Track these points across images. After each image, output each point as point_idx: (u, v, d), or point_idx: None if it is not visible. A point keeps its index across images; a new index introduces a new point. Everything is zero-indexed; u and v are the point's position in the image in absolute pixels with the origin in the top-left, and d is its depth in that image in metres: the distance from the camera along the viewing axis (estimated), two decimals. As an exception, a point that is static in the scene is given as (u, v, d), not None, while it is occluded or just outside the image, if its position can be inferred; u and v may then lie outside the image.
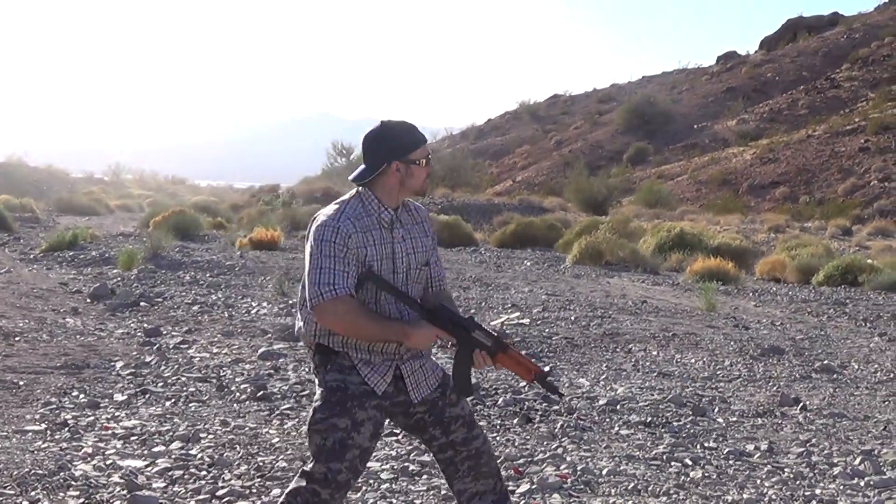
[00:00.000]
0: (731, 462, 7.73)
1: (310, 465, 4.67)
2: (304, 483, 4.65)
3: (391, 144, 4.72)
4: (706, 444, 8.24)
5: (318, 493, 4.61)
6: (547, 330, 13.65)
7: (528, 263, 24.48)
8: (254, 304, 15.12)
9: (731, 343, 13.64)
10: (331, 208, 4.72)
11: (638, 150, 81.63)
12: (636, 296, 18.22)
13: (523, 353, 4.87)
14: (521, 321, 14.16)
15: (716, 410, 9.53)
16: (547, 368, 4.92)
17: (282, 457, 7.25)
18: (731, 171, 64.16)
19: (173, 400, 8.97)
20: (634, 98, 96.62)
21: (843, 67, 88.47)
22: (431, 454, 5.09)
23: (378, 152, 4.72)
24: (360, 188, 4.77)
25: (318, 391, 4.76)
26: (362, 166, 4.78)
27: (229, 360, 10.79)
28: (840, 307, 18.73)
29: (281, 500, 4.74)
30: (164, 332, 12.37)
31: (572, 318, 14.81)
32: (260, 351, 11.20)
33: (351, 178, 4.77)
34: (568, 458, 7.52)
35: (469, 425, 5.01)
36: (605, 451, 7.87)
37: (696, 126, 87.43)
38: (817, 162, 60.70)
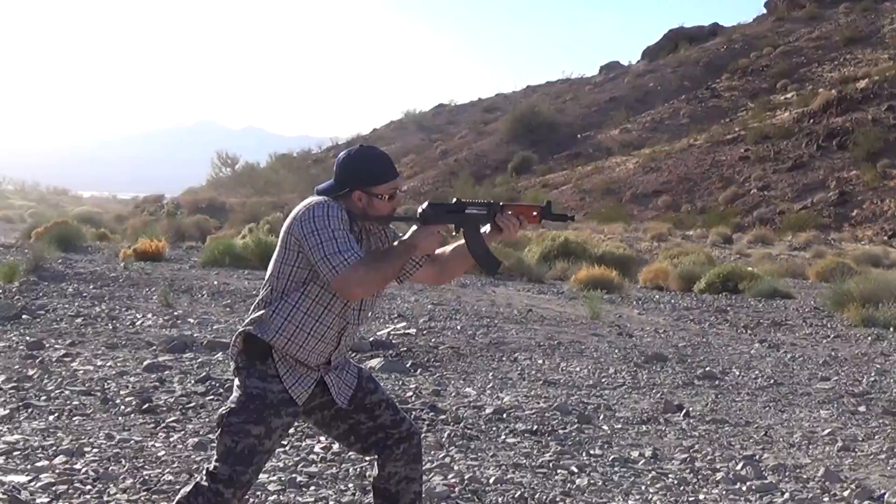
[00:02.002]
0: (616, 469, 7.82)
1: (214, 465, 4.71)
2: (207, 482, 4.69)
3: (359, 171, 4.79)
4: (592, 452, 8.32)
5: (221, 494, 4.66)
6: (433, 339, 13.67)
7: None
8: (138, 315, 14.94)
9: (616, 351, 13.78)
10: (319, 199, 4.75)
11: (523, 159, 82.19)
12: (522, 305, 18.34)
13: (509, 212, 4.91)
14: (407, 331, 14.17)
15: (601, 418, 9.63)
16: (546, 201, 4.96)
17: (168, 470, 7.18)
18: (614, 180, 64.94)
19: (57, 414, 8.82)
20: (519, 107, 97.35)
21: (723, 77, 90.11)
22: (357, 444, 5.11)
23: (343, 176, 4.79)
24: (336, 199, 4.79)
25: (237, 394, 4.79)
26: (330, 181, 4.85)
27: (114, 372, 10.64)
28: (721, 314, 19.04)
29: (179, 498, 4.75)
30: (47, 345, 12.16)
31: (458, 328, 14.86)
32: (145, 363, 11.07)
33: (317, 188, 4.85)
34: (455, 468, 7.55)
35: (393, 408, 5.12)
36: (491, 459, 7.91)
37: (579, 135, 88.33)
38: (699, 171, 61.70)
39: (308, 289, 4.75)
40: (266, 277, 4.89)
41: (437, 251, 5.03)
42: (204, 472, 4.74)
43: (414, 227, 4.88)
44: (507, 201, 5.03)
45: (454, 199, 4.98)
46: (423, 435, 8.52)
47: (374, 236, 4.96)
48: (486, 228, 4.95)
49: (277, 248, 4.84)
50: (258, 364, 4.77)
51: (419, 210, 4.88)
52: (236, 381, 4.85)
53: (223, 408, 4.80)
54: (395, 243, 4.82)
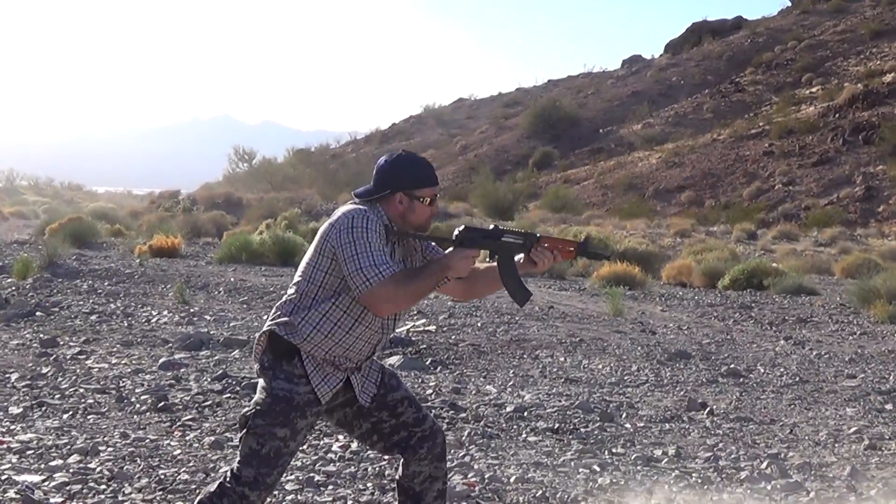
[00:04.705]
0: (638, 468, 7.80)
1: (238, 467, 4.74)
2: (231, 484, 4.72)
3: (401, 174, 4.83)
4: (614, 450, 8.30)
5: (246, 497, 4.70)
6: (453, 337, 13.66)
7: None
8: (154, 312, 14.96)
9: (639, 348, 13.75)
10: (355, 207, 4.80)
11: (544, 154, 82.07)
12: (543, 301, 18.30)
13: (545, 245, 4.94)
14: (427, 328, 14.16)
15: (623, 416, 9.61)
16: (584, 236, 5.04)
17: (184, 469, 7.18)
18: (636, 175, 64.77)
19: (71, 412, 8.84)
20: (540, 102, 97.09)
21: (747, 71, 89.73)
22: (380, 443, 5.12)
23: (386, 178, 4.84)
24: (374, 204, 4.85)
25: (262, 395, 4.80)
26: (369, 185, 4.89)
27: (129, 370, 10.66)
28: (745, 311, 18.98)
29: (201, 497, 4.76)
30: (61, 343, 12.19)
31: (479, 325, 14.84)
32: (160, 361, 11.09)
33: (356, 192, 4.90)
34: (475, 466, 7.54)
35: (416, 405, 5.13)
36: (512, 458, 7.90)
37: (601, 130, 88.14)
38: (722, 166, 61.50)
39: (340, 299, 4.77)
40: (295, 280, 4.90)
41: None
42: (228, 473, 4.77)
43: (450, 249, 4.89)
44: (544, 235, 5.07)
45: (492, 226, 5.02)
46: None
47: (405, 248, 4.98)
48: (519, 257, 4.99)
49: (311, 252, 4.85)
50: (284, 364, 4.78)
51: (455, 232, 4.90)
52: (261, 382, 4.86)
53: (248, 408, 4.82)
54: (430, 263, 4.82)
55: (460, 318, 15.42)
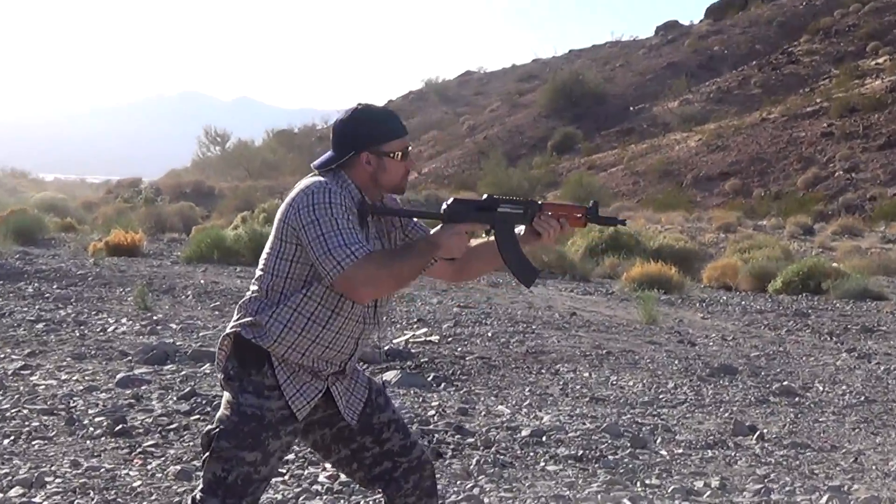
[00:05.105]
0: (677, 501, 7.77)
1: (200, 497, 4.66)
2: None
3: (363, 130, 4.74)
4: (648, 482, 8.27)
5: None
6: (460, 349, 13.65)
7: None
8: (111, 320, 14.95)
9: (676, 362, 13.73)
10: (317, 179, 4.70)
11: (565, 136, 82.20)
12: (564, 307, 18.29)
13: (549, 213, 4.85)
14: (429, 338, 14.15)
15: (658, 441, 9.58)
16: (592, 202, 4.89)
17: (145, 503, 7.16)
18: (673, 160, 64.81)
19: (12, 437, 8.81)
20: (560, 75, 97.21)
21: (801, 40, 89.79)
22: (359, 473, 5.03)
23: (346, 138, 4.74)
24: (337, 172, 4.75)
25: (227, 411, 4.69)
26: (329, 152, 4.79)
27: (81, 388, 10.63)
28: (801, 319, 18.96)
29: None
30: (2, 356, 12.18)
31: (489, 335, 14.82)
32: (118, 377, 11.06)
33: (314, 164, 4.79)
34: (486, 500, 7.52)
35: (403, 430, 5.03)
36: (529, 490, 7.87)
37: (632, 108, 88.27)
38: (773, 150, 61.51)
39: (312, 289, 4.66)
40: (257, 274, 4.80)
41: None
42: (189, 502, 4.69)
43: (439, 226, 4.81)
44: (546, 201, 4.94)
45: (484, 196, 4.92)
46: (448, 462, 8.49)
47: (383, 223, 4.90)
48: (520, 230, 4.90)
49: (271, 240, 4.75)
50: (252, 373, 4.68)
51: (443, 206, 4.81)
52: (226, 396, 4.75)
53: (211, 425, 4.72)
54: (416, 240, 4.76)
55: (467, 327, 15.41)
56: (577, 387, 11.91)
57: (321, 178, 4.67)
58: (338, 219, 4.51)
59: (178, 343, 13.16)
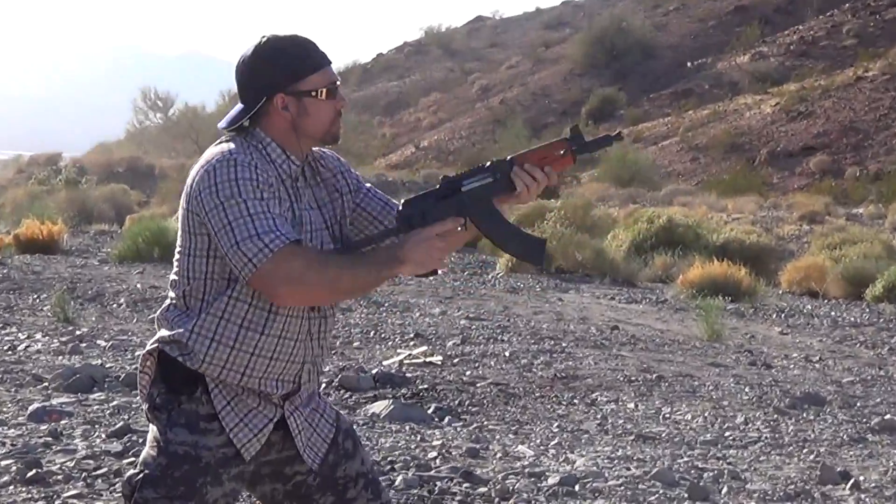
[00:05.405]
0: (747, 569, 7.77)
1: None
2: None
3: (272, 67, 4.62)
4: (710, 543, 8.27)
5: None
6: (469, 372, 13.65)
7: (440, 271, 24.43)
8: (21, 336, 14.97)
9: (746, 389, 13.73)
10: (223, 147, 4.59)
11: (603, 100, 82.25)
12: (603, 320, 18.30)
13: (526, 165, 4.71)
14: (429, 359, 14.16)
15: (724, 491, 9.57)
16: (571, 127, 4.72)
17: (64, 570, 7.16)
18: (742, 131, 64.78)
19: None
20: (598, 22, 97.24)
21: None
22: None
23: (254, 81, 4.63)
24: (251, 130, 4.66)
25: (154, 451, 4.62)
26: (238, 106, 4.69)
27: (-17, 422, 10.66)
28: (907, 334, 18.97)
29: None
30: None
31: (507, 354, 14.82)
32: (31, 408, 11.06)
33: (220, 124, 4.70)
34: (502, 568, 7.51)
35: (374, 487, 4.97)
36: (557, 555, 7.87)
37: (689, 64, 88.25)
38: (871, 118, 61.43)
39: (239, 288, 4.58)
40: (171, 277, 4.73)
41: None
42: None
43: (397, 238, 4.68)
44: (518, 153, 4.82)
45: (441, 178, 4.79)
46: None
47: (313, 190, 4.79)
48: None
49: (180, 234, 4.66)
50: (183, 400, 4.60)
51: (395, 214, 4.72)
52: (152, 430, 4.67)
53: (134, 470, 4.65)
54: (373, 254, 4.62)
55: (479, 345, 15.42)
56: (620, 421, 11.91)
57: (226, 147, 4.58)
58: (247, 200, 4.41)
59: (107, 365, 13.18)
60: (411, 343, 15.40)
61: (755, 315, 20.87)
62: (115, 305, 17.64)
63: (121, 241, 25.45)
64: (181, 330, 4.57)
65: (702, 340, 16.91)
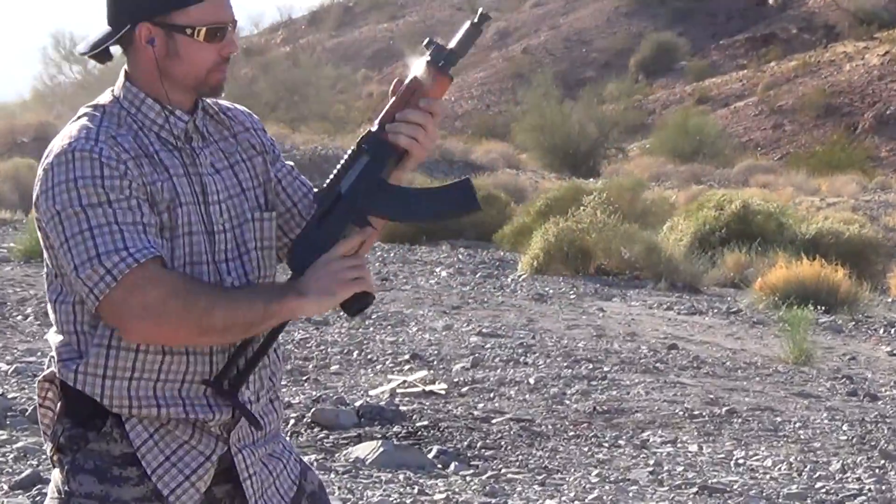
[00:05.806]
0: None
1: None
2: None
3: None
4: None
5: None
6: (482, 405, 13.68)
7: (445, 272, 24.46)
8: None
9: (844, 427, 13.76)
10: (74, 126, 4.34)
11: (659, 47, 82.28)
12: (656, 335, 18.35)
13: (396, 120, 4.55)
14: (429, 388, 14.19)
15: (815, 559, 9.63)
16: (427, 39, 4.55)
17: None
18: (841, 89, 64.75)
19: None
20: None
21: None
22: None
23: (118, 5, 4.42)
24: (125, 83, 4.47)
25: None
26: (104, 27, 4.45)
27: None
28: None
29: None
30: None
31: (531, 382, 14.86)
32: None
33: (79, 48, 4.55)
34: None
35: None
36: None
37: (772, 1, 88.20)
38: None
39: None
40: (48, 307, 4.60)
41: None
42: None
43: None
44: (379, 117, 4.58)
45: (311, 196, 4.70)
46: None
47: (218, 146, 4.60)
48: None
49: (44, 249, 4.46)
50: (91, 438, 4.41)
51: (287, 261, 4.61)
52: (54, 478, 4.53)
53: None
54: (262, 290, 4.44)
55: (494, 369, 15.43)
56: (679, 468, 11.96)
57: (76, 126, 4.37)
58: (86, 208, 4.18)
59: (9, 396, 13.24)
60: (406, 367, 15.43)
61: (856, 330, 20.90)
62: (19, 317, 17.68)
63: (27, 234, 25.47)
64: (66, 371, 4.41)
65: (786, 363, 16.94)
